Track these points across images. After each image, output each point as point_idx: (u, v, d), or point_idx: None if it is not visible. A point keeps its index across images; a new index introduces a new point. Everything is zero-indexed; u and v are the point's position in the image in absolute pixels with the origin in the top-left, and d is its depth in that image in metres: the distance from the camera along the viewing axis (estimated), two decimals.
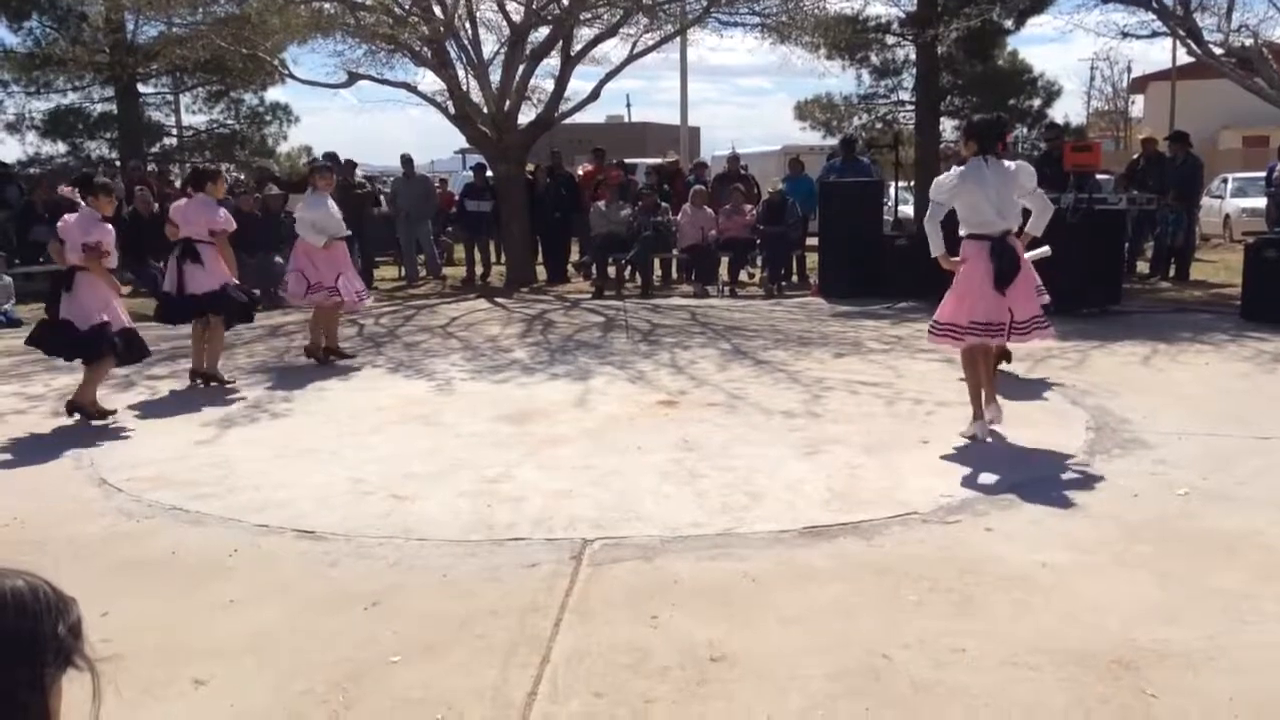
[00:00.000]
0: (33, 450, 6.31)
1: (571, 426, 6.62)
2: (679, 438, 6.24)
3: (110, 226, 7.09)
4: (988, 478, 5.33)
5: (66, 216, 7.11)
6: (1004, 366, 7.17)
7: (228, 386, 8.00)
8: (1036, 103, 20.64)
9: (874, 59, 19.46)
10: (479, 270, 15.21)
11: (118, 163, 18.31)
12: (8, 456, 6.16)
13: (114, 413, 7.02)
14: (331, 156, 14.47)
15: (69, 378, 8.25)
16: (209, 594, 4.07)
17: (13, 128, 20.23)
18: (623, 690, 3.24)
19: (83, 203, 7.13)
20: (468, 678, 3.33)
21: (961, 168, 5.97)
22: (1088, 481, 5.26)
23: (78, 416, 6.86)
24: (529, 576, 4.16)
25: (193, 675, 3.35)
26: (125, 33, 18.26)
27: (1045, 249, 6.51)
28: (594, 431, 6.48)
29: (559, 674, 3.35)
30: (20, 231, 14.40)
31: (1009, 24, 18.37)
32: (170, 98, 21.79)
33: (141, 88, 20.10)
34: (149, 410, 7.36)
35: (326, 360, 8.94)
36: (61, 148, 20.66)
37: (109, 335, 6.86)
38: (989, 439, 5.98)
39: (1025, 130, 20.38)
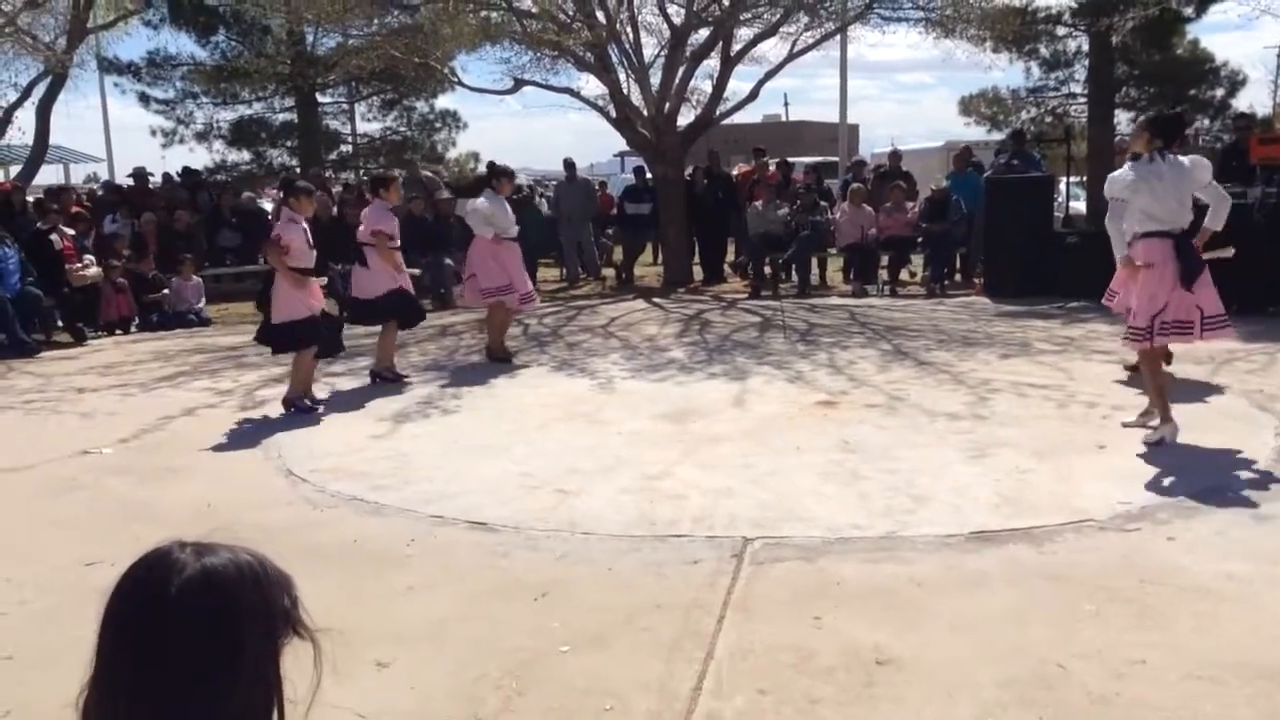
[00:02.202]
0: (224, 442, 6.71)
1: (730, 426, 6.65)
2: (839, 439, 6.20)
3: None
4: (1169, 485, 5.11)
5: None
6: (1169, 368, 6.87)
7: (405, 382, 8.32)
8: (1219, 93, 19.53)
9: (1043, 50, 18.75)
10: (628, 270, 15.32)
11: (298, 169, 19.18)
12: (201, 447, 6.56)
13: (317, 408, 7.48)
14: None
15: (255, 374, 8.76)
16: (389, 580, 4.27)
17: (201, 136, 21.54)
18: (788, 688, 3.25)
19: (285, 206, 7.60)
20: (634, 670, 3.40)
21: (1134, 163, 5.82)
22: (1276, 491, 4.99)
23: (290, 410, 7.36)
24: (691, 573, 4.22)
25: (375, 658, 3.53)
26: (305, 45, 19.13)
27: (1229, 250, 6.28)
28: (752, 431, 6.49)
29: (723, 669, 3.39)
30: (209, 235, 15.28)
31: (1189, 11, 17.44)
32: (346, 106, 22.77)
33: (320, 97, 21.02)
34: (328, 405, 7.69)
35: (500, 358, 9.18)
36: (246, 155, 21.88)
37: (295, 331, 7.29)
38: (1174, 442, 5.75)
39: (1207, 122, 19.30)
